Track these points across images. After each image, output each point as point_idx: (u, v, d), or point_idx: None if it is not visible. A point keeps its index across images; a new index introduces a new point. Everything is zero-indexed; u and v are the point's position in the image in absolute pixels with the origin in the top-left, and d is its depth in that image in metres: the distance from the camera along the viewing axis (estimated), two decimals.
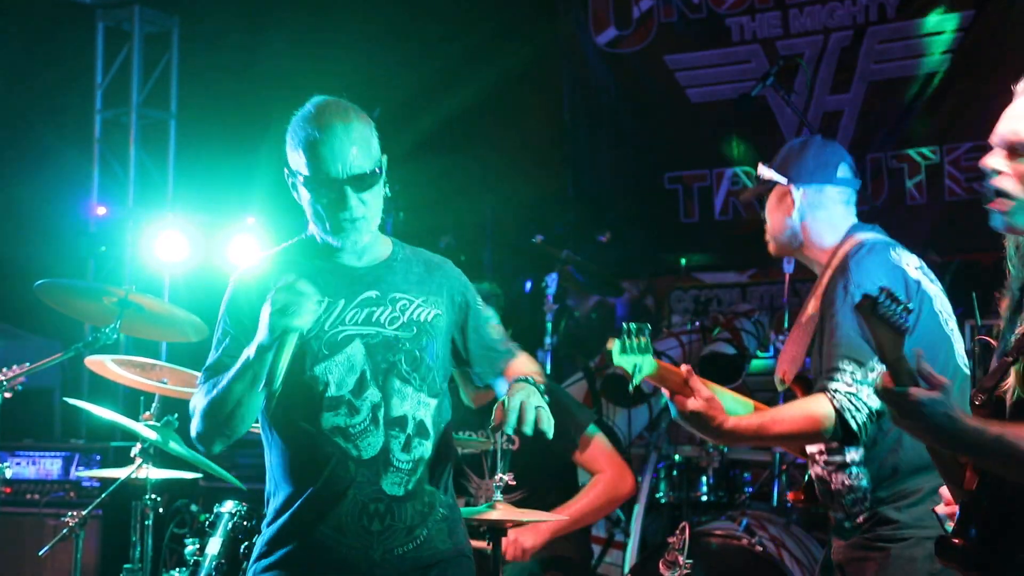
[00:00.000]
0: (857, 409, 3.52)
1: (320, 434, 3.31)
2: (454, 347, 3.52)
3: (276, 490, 3.43)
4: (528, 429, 3.21)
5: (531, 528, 5.02)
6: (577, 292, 8.18)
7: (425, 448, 3.37)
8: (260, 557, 3.40)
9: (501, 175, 9.04)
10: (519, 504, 4.20)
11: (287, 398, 3.25)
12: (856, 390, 3.52)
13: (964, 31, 7.66)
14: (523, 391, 3.29)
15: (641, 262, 8.65)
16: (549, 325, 7.03)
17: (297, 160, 3.32)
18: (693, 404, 3.55)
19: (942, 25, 7.74)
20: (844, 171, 3.97)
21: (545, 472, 5.16)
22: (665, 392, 3.56)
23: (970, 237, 6.92)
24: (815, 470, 3.84)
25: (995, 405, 2.69)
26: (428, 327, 3.42)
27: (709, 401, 3.55)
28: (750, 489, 6.10)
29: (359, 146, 3.29)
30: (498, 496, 4.00)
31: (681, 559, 3.97)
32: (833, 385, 3.54)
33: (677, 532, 4.05)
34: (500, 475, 4.08)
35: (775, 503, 5.98)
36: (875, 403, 3.50)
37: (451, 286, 3.51)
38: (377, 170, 3.33)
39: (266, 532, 3.43)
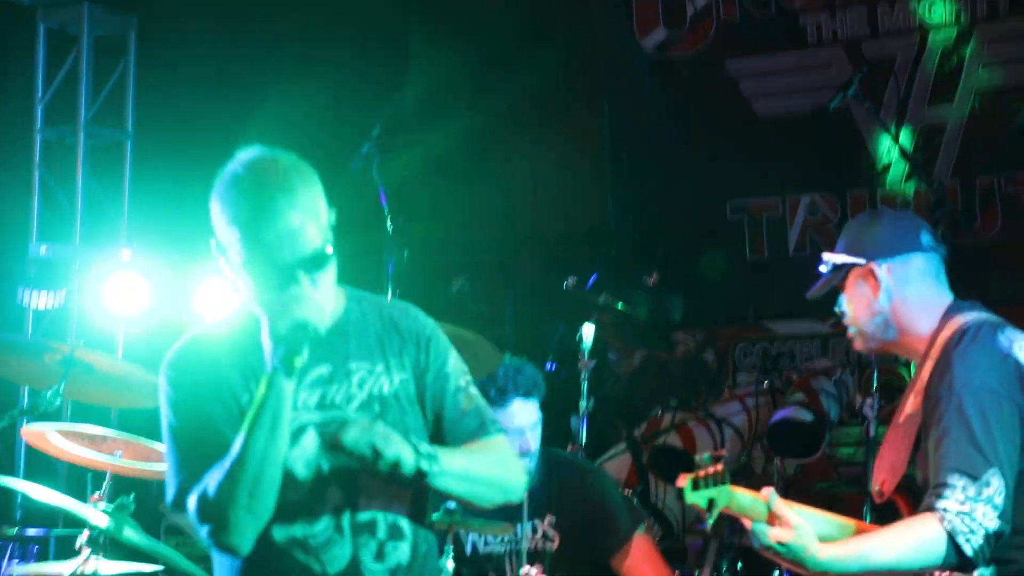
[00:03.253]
0: (972, 531, 3.53)
1: (274, 549, 3.27)
2: (424, 416, 3.45)
3: None
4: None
5: None
6: (620, 346, 8.17)
7: (402, 552, 3.35)
8: None
9: (526, 206, 9.07)
10: None
11: None
12: (969, 509, 3.54)
13: None
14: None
15: (698, 309, 8.66)
16: (585, 386, 6.99)
17: (230, 238, 3.27)
18: (778, 535, 3.52)
19: None
20: (928, 239, 4.01)
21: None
22: (746, 522, 3.54)
23: None
24: None
25: None
26: (393, 400, 3.38)
27: (798, 529, 3.54)
28: None
29: (307, 219, 3.21)
30: None
31: None
32: (941, 504, 3.56)
33: None
34: (527, 568, 4.08)
35: None
36: (992, 524, 3.54)
37: (416, 341, 3.45)
38: (329, 247, 3.25)
39: None
